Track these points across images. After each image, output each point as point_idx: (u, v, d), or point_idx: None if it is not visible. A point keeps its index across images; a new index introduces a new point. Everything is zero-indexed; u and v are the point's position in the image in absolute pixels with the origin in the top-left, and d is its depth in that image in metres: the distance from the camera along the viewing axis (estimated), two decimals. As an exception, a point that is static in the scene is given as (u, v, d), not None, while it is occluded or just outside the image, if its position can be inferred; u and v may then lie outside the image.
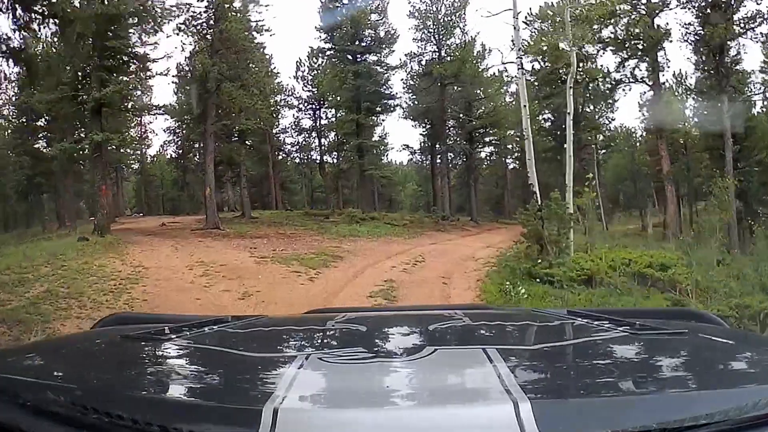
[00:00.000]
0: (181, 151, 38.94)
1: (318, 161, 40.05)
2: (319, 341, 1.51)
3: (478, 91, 36.54)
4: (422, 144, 40.05)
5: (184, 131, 36.68)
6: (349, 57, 31.61)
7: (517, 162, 44.98)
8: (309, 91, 39.12)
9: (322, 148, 39.16)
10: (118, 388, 0.99)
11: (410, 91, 36.31)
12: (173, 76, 27.71)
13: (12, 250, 15.94)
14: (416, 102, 36.26)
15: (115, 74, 20.73)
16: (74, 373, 1.17)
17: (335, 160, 38.47)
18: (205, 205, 24.85)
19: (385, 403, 0.86)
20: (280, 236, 20.27)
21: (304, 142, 41.33)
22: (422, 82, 35.10)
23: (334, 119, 37.08)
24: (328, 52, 33.42)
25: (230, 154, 29.71)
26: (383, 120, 37.26)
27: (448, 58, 33.61)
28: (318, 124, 39.35)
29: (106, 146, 21.39)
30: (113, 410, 0.80)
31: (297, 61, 39.28)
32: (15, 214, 35.60)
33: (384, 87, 33.66)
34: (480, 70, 35.84)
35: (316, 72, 38.88)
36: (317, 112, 39.29)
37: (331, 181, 39.07)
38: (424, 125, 38.36)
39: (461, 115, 35.41)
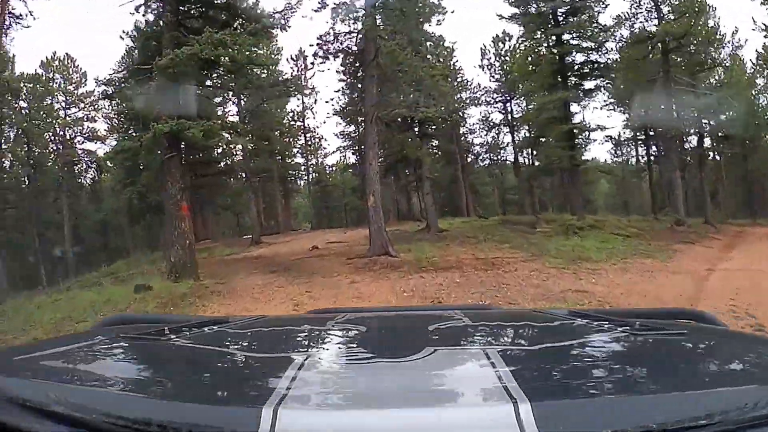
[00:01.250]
0: (358, 156, 36.63)
1: (512, 160, 35.47)
2: (319, 341, 1.49)
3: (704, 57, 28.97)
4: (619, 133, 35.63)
5: (358, 132, 34.34)
6: (549, 21, 24.82)
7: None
8: (497, 81, 34.69)
9: (516, 144, 34.16)
10: (117, 388, 0.99)
11: (616, 66, 28.64)
12: (315, 45, 18.43)
13: (28, 304, 13.00)
14: (624, 79, 28.94)
15: (194, 35, 14.28)
16: (74, 372, 1.16)
17: (527, 159, 33.45)
18: (368, 221, 17.09)
19: (385, 403, 0.84)
20: (479, 265, 13.74)
21: (492, 141, 37.20)
22: (634, 51, 27.54)
23: (526, 109, 31.92)
24: (519, 18, 26.96)
25: (404, 149, 24.02)
26: (585, 105, 30.75)
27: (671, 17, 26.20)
28: (509, 118, 34.66)
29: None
30: (113, 410, 0.80)
31: (482, 48, 34.94)
32: (137, 236, 34.06)
33: (599, 52, 25.89)
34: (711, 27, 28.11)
35: (503, 58, 34.20)
36: (507, 104, 34.61)
37: (526, 181, 33.93)
38: (628, 109, 31.70)
39: (691, 88, 27.45)
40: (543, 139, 28.70)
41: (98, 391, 0.94)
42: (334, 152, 50.66)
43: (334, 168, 44.12)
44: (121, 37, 24.79)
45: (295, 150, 40.04)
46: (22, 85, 31.47)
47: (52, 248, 32.73)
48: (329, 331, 1.54)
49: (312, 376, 0.97)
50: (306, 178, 42.50)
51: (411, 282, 12.28)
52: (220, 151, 31.45)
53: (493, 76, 35.03)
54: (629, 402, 0.81)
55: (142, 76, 15.41)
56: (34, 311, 11.79)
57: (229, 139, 16.97)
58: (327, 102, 23.60)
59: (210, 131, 14.80)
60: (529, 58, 26.86)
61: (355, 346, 1.36)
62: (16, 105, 31.29)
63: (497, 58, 34.37)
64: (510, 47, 34.02)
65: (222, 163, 32.37)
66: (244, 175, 29.23)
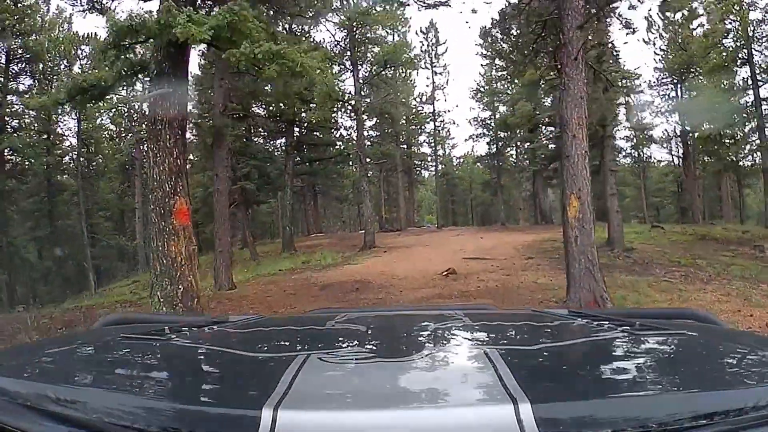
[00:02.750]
0: (493, 147, 31.98)
1: (680, 155, 29.59)
2: (319, 341, 1.45)
3: None
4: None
5: (495, 116, 29.72)
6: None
7: None
8: (662, 59, 28.91)
9: (687, 137, 28.18)
10: (117, 388, 0.98)
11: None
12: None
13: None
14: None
15: None
16: (74, 372, 1.14)
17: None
18: (566, 246, 9.81)
19: (385, 403, 0.83)
20: None
21: (638, 135, 31.65)
22: None
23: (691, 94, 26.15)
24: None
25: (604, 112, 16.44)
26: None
27: None
28: (679, 103, 28.89)
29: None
30: (112, 410, 0.80)
31: (646, 17, 29.19)
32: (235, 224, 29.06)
33: None
34: None
35: (672, 32, 28.22)
36: (677, 88, 28.67)
37: (695, 182, 28.11)
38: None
39: None
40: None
41: (98, 391, 0.93)
42: (467, 140, 46.78)
43: (461, 159, 40.03)
44: None
45: (421, 139, 36.04)
46: (74, 47, 27.78)
47: (115, 239, 30.28)
48: (329, 331, 1.51)
49: (312, 376, 0.95)
50: (433, 168, 38.23)
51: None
52: (337, 134, 27.71)
53: (656, 54, 29.22)
54: (629, 402, 0.81)
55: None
56: None
57: (291, 61, 8.25)
58: (478, 47, 17.38)
59: (233, 26, 7.53)
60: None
61: (355, 346, 1.29)
62: (67, 70, 27.45)
63: (666, 29, 28.43)
64: (681, 17, 28.09)
65: (340, 146, 28.22)
66: (359, 160, 24.08)
